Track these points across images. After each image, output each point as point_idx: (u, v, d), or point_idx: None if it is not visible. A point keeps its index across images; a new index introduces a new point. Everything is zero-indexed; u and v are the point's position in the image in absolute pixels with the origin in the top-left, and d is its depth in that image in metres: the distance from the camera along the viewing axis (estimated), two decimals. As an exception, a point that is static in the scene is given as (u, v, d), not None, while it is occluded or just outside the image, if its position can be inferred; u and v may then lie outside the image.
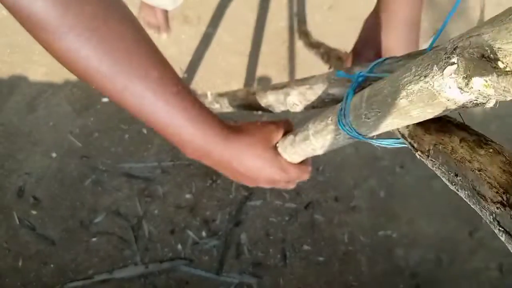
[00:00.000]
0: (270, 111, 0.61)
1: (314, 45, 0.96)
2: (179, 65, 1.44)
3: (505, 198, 0.23)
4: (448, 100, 0.25)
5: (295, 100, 0.53)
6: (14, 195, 1.32)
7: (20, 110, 1.36)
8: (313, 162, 1.49)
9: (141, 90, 0.37)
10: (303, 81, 0.52)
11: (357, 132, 0.37)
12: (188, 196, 1.37)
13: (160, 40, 1.43)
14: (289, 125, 0.54)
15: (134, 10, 1.42)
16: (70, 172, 1.35)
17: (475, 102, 0.24)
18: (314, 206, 1.41)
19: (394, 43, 0.53)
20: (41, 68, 1.38)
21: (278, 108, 0.58)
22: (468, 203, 0.29)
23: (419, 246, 1.43)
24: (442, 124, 0.33)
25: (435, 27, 1.53)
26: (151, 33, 1.41)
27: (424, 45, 1.64)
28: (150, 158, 1.38)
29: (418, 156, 0.34)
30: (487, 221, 0.26)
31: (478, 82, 0.22)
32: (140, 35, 0.38)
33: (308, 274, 1.38)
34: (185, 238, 1.35)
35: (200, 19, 1.48)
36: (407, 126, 0.35)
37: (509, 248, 0.23)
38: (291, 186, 0.55)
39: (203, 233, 1.36)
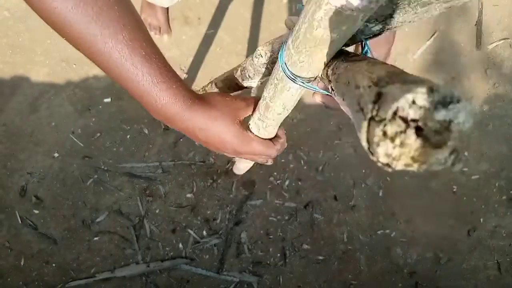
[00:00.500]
0: (244, 86, 0.62)
1: None
2: (180, 66, 1.45)
3: (375, 80, 0.24)
4: (353, 11, 0.27)
5: (261, 51, 0.54)
6: (16, 195, 1.33)
7: (22, 111, 1.37)
8: (313, 162, 1.51)
9: (108, 49, 0.38)
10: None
11: (300, 78, 0.39)
12: (189, 195, 1.38)
13: (162, 41, 1.45)
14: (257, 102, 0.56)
15: (135, 11, 1.43)
16: (72, 172, 1.36)
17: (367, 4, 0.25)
18: (314, 205, 1.42)
19: None
20: (43, 69, 1.39)
21: (249, 71, 0.58)
22: (343, 100, 0.31)
23: (418, 245, 1.44)
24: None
25: (435, 27, 1.55)
26: (152, 34, 1.42)
27: (423, 46, 1.64)
28: (151, 158, 1.39)
29: (326, 80, 0.36)
30: (350, 107, 0.27)
31: None
32: None
33: (308, 273, 1.39)
34: (186, 237, 1.37)
35: (201, 20, 1.49)
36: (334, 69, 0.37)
37: (356, 127, 0.24)
38: (260, 160, 0.56)
39: (204, 232, 1.37)
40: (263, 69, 0.55)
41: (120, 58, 0.39)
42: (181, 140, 1.41)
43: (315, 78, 0.40)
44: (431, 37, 1.53)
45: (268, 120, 0.51)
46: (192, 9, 1.49)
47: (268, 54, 0.53)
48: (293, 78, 0.39)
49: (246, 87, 0.64)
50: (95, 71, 1.41)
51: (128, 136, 1.40)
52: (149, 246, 1.35)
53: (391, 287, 1.42)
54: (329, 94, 0.41)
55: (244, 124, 0.51)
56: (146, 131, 1.40)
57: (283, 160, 1.44)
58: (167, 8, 1.41)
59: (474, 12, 1.56)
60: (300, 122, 1.46)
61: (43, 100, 1.38)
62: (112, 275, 1.32)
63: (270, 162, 0.57)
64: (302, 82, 0.40)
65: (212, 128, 0.47)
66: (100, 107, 1.40)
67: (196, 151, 1.41)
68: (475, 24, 1.56)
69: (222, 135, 0.48)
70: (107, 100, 1.40)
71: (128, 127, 1.40)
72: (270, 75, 0.53)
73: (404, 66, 1.51)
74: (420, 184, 1.47)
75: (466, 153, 1.50)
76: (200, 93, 0.48)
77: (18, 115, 1.37)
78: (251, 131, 0.54)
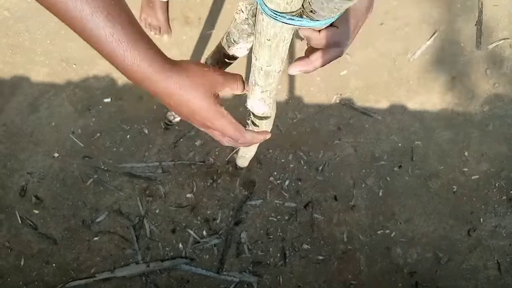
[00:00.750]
0: (232, 56, 0.62)
1: None
2: (180, 66, 1.45)
3: None
4: None
5: (241, 6, 0.54)
6: (16, 195, 1.33)
7: (22, 111, 1.37)
8: (313, 162, 1.50)
9: (79, 7, 0.39)
10: None
11: (288, 15, 0.39)
12: (189, 195, 1.38)
13: (162, 41, 1.45)
14: (240, 80, 0.54)
15: (135, 12, 1.43)
16: (72, 172, 1.36)
17: None
18: (314, 205, 1.42)
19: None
20: (43, 69, 1.39)
21: (233, 34, 0.59)
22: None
23: (418, 245, 1.44)
24: None
25: (435, 27, 1.55)
26: (152, 34, 1.42)
27: (423, 46, 1.65)
28: (151, 158, 1.39)
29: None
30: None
31: None
32: None
33: (308, 273, 1.39)
34: (186, 237, 1.37)
35: (201, 20, 1.49)
36: None
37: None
38: (225, 141, 0.55)
39: (204, 232, 1.38)
40: (245, 26, 0.55)
41: (93, 18, 0.40)
42: (181, 140, 1.41)
43: (300, 8, 0.40)
44: (431, 37, 1.53)
45: (271, 85, 0.51)
46: (192, 10, 1.49)
47: (248, 7, 0.53)
48: (283, 18, 0.39)
49: (235, 58, 0.63)
50: (95, 71, 1.42)
51: (128, 136, 1.40)
52: (149, 246, 1.35)
53: (391, 287, 1.42)
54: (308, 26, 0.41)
55: (219, 100, 0.50)
56: (146, 131, 1.40)
57: (283, 160, 1.44)
58: (167, 8, 1.41)
59: (474, 12, 1.56)
60: (300, 122, 1.46)
61: (43, 100, 1.38)
62: (112, 275, 1.32)
63: (226, 143, 0.56)
64: (292, 19, 0.39)
65: (183, 96, 0.47)
66: (100, 107, 1.40)
67: (196, 151, 1.41)
68: (475, 24, 1.56)
69: (192, 105, 0.48)
70: (107, 100, 1.40)
71: (128, 127, 1.40)
72: (252, 32, 0.52)
73: (404, 66, 1.51)
74: (420, 184, 1.47)
75: (466, 153, 1.51)
76: (176, 60, 0.48)
77: (18, 115, 1.37)
78: (253, 114, 0.53)
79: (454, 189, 1.48)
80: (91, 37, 0.41)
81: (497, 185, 1.50)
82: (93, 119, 1.39)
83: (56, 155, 1.36)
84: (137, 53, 0.43)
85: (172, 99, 0.47)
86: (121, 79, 1.42)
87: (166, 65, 0.45)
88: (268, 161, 1.43)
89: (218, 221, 1.39)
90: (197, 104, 0.48)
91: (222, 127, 0.51)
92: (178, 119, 1.33)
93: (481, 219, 1.48)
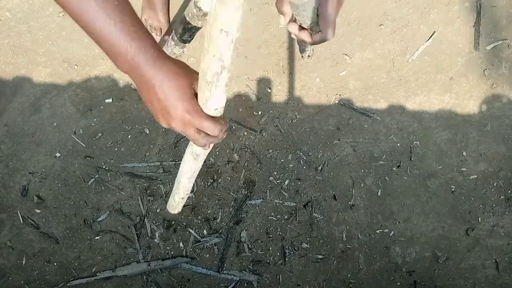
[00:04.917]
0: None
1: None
2: (181, 67, 1.46)
3: None
4: None
5: None
6: (18, 194, 1.34)
7: (24, 111, 1.38)
8: (312, 162, 1.51)
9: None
10: None
11: None
12: (189, 195, 1.39)
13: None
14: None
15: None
16: (74, 172, 1.37)
17: None
18: (313, 204, 1.43)
19: None
20: (45, 70, 1.40)
21: None
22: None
23: (416, 244, 1.45)
24: None
25: (433, 28, 1.56)
26: (153, 35, 1.43)
27: (421, 47, 1.65)
28: (152, 158, 1.40)
29: None
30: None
31: None
32: None
33: (307, 272, 1.40)
34: (186, 236, 1.38)
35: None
36: None
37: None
38: (201, 141, 0.54)
39: (204, 231, 1.39)
40: None
41: (95, 5, 0.42)
42: (182, 140, 1.42)
43: None
44: (430, 38, 1.54)
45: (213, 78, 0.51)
46: (192, 10, 1.50)
47: None
48: None
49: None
50: (97, 71, 1.43)
51: (129, 136, 1.41)
52: (150, 245, 1.36)
53: (389, 286, 1.43)
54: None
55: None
56: (147, 131, 1.41)
57: (282, 160, 1.45)
58: (168, 10, 1.42)
59: (472, 13, 1.58)
60: (299, 122, 1.47)
61: (45, 100, 1.39)
62: (113, 274, 1.33)
63: (201, 141, 0.54)
64: None
65: (172, 84, 0.48)
66: (102, 107, 1.41)
67: (196, 151, 1.42)
68: (474, 25, 1.57)
69: (179, 92, 0.49)
70: (109, 100, 1.41)
71: (129, 127, 1.41)
72: None
73: (403, 67, 1.53)
74: (419, 184, 1.48)
75: (464, 153, 1.52)
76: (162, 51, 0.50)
77: (20, 115, 1.38)
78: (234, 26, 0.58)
79: (453, 189, 1.49)
80: (96, 26, 0.43)
81: (495, 184, 1.51)
82: (95, 120, 1.40)
83: (57, 155, 1.37)
84: (141, 43, 0.45)
85: (161, 87, 0.48)
86: (122, 80, 1.43)
87: (160, 55, 0.48)
88: (268, 161, 1.44)
89: (218, 220, 1.40)
90: (183, 94, 0.49)
91: (201, 123, 0.50)
92: None
93: (480, 219, 1.49)
